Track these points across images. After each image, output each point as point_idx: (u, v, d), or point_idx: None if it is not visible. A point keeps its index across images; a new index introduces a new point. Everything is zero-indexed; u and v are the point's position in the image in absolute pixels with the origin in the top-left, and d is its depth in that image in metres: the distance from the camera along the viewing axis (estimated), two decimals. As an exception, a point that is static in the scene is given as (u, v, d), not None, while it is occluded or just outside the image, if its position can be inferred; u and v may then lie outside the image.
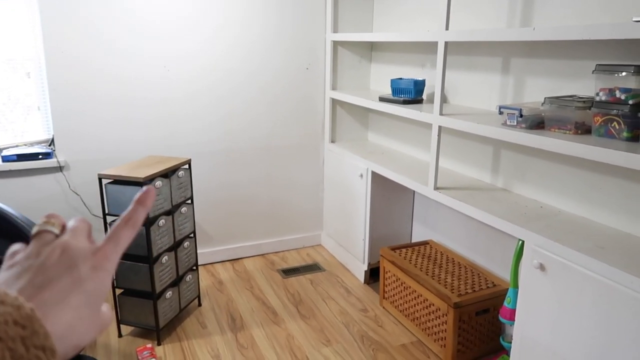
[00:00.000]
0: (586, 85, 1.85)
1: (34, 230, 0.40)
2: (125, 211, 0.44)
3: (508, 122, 1.90)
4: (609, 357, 1.51)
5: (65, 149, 2.76)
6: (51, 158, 2.72)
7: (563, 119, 1.74)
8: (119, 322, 2.41)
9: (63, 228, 0.42)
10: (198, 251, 3.19)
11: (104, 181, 2.26)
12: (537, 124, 1.84)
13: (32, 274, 0.36)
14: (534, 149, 2.09)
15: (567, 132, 1.73)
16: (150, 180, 2.22)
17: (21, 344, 0.29)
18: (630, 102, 1.55)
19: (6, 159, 2.63)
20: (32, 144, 2.81)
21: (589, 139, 1.62)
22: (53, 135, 2.75)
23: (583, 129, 1.72)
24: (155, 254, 2.28)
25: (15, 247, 0.40)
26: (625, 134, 1.57)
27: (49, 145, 2.82)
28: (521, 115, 1.85)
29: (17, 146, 2.77)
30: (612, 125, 1.61)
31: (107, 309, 0.39)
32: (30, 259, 0.37)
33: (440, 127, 2.19)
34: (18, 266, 0.37)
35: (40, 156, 2.70)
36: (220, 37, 2.96)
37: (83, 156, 2.80)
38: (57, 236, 0.41)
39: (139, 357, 2.17)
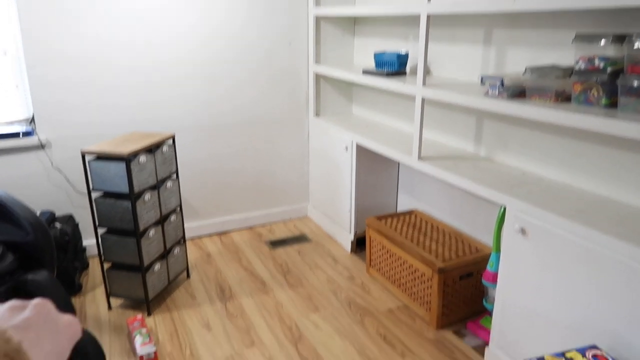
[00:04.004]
0: (566, 54, 1.89)
1: None
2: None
3: (490, 92, 1.94)
4: (587, 315, 1.60)
5: (46, 127, 2.71)
6: (32, 136, 2.67)
7: (544, 87, 1.79)
8: (108, 295, 2.43)
9: None
10: (185, 225, 3.20)
11: (87, 157, 2.25)
12: (519, 93, 1.88)
13: (21, 319, 0.42)
14: (515, 118, 2.15)
15: (548, 100, 1.77)
16: (134, 155, 2.21)
17: None
18: (609, 69, 1.60)
19: (-15, 136, 2.58)
20: (11, 123, 2.76)
21: (568, 107, 1.67)
22: (33, 114, 2.70)
23: (563, 97, 1.77)
24: (141, 228, 2.29)
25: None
26: (603, 101, 1.62)
27: (29, 124, 2.77)
28: (503, 85, 1.88)
29: (-5, 122, 2.71)
30: (591, 92, 1.66)
31: None
32: (20, 307, 0.45)
33: (423, 99, 2.22)
34: (10, 309, 0.44)
35: (20, 135, 2.65)
36: (201, 11, 2.91)
37: (64, 133, 2.76)
38: None
39: (130, 328, 2.20)
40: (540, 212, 1.70)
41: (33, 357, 0.39)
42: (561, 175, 1.98)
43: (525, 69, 1.86)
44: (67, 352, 0.44)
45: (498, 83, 1.90)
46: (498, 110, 1.84)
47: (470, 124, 2.41)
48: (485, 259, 2.28)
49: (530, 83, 1.84)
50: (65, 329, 0.45)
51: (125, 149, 2.19)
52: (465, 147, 2.47)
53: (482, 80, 1.99)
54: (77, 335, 0.46)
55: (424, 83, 2.19)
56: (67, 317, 0.47)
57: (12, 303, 0.44)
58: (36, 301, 0.45)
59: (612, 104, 1.61)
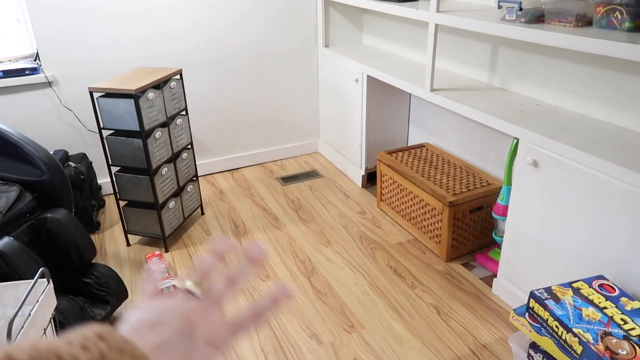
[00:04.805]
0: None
1: (184, 286, 0.42)
2: (258, 305, 0.44)
3: (507, 17, 1.83)
4: (595, 246, 1.59)
5: (52, 64, 2.68)
6: (38, 73, 2.65)
7: (564, 11, 1.68)
8: (126, 232, 2.50)
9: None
10: (197, 162, 3.22)
11: (95, 95, 2.23)
12: (537, 17, 1.78)
13: (157, 333, 0.38)
14: (532, 45, 2.04)
15: (568, 25, 1.67)
16: (142, 91, 2.18)
17: None
18: (635, -11, 1.48)
19: (-8, 76, 2.56)
20: (16, 59, 2.72)
21: (589, 31, 1.57)
22: (37, 49, 2.65)
23: (584, 21, 1.66)
24: (154, 166, 2.31)
25: (157, 287, 0.42)
26: (627, 24, 1.52)
27: (34, 60, 2.73)
28: (521, 9, 1.78)
29: (0, 62, 2.69)
30: (614, 15, 1.55)
31: None
32: (163, 314, 0.40)
33: (437, 26, 2.12)
34: (150, 315, 0.39)
35: (27, 72, 2.63)
36: None
37: (71, 70, 2.72)
38: (197, 297, 0.43)
39: (149, 264, 2.28)
40: (554, 143, 1.66)
41: None
42: (576, 104, 1.91)
43: (546, -9, 1.74)
44: None
45: (516, 7, 1.79)
46: (514, 36, 1.74)
47: (485, 52, 2.31)
48: (495, 193, 2.26)
49: (550, 6, 1.73)
50: (203, 355, 0.40)
51: (133, 85, 2.16)
52: (479, 77, 2.38)
53: (499, 4, 1.88)
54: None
55: (437, 9, 2.08)
56: (208, 334, 0.40)
57: (155, 312, 0.39)
58: (183, 311, 0.40)
59: (636, 27, 1.51)
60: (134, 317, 0.39)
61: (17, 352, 0.28)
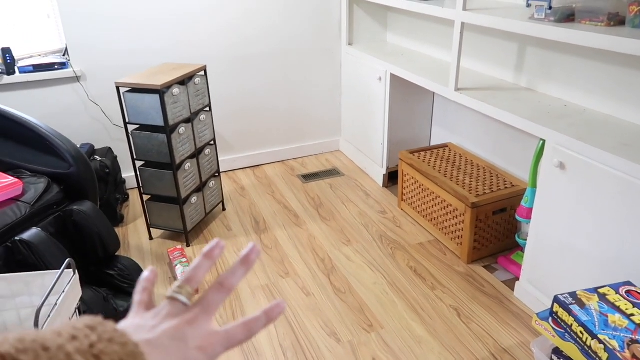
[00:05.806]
0: (624, -29, 1.71)
1: (168, 294, 0.44)
2: (251, 319, 0.44)
3: (536, 16, 1.80)
4: (622, 250, 1.55)
5: (80, 59, 2.73)
6: (67, 68, 2.70)
7: (595, 10, 1.64)
8: (149, 226, 2.54)
9: (196, 291, 0.45)
10: (219, 158, 3.25)
11: (122, 90, 2.26)
12: (567, 16, 1.74)
13: (146, 332, 0.39)
14: (561, 45, 2.00)
15: (599, 24, 1.63)
16: (167, 87, 2.21)
17: None
18: (671, -12, 1.44)
19: (23, 70, 2.62)
20: (46, 54, 2.78)
21: (622, 31, 1.53)
22: (66, 45, 2.71)
23: (616, 21, 1.62)
24: (178, 161, 2.33)
25: (145, 298, 0.44)
26: (661, 24, 1.48)
27: (63, 55, 2.79)
28: (550, 8, 1.74)
29: (31, 57, 2.75)
30: (649, 15, 1.51)
31: None
32: (155, 319, 0.41)
33: (463, 24, 2.09)
34: (140, 321, 0.41)
35: (56, 66, 2.68)
36: None
37: (99, 65, 2.77)
38: (186, 305, 0.44)
39: (171, 258, 2.31)
40: (582, 145, 1.62)
41: None
42: (606, 106, 1.86)
43: (576, -10, 1.70)
44: None
45: (545, 5, 1.76)
46: (543, 36, 1.71)
47: (511, 51, 2.27)
48: (519, 194, 2.22)
49: (581, 5, 1.69)
50: (196, 353, 0.41)
51: (159, 80, 2.19)
52: (505, 77, 2.34)
53: (528, 2, 1.85)
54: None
55: (464, 7, 2.05)
56: (199, 341, 0.42)
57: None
58: (176, 323, 0.41)
59: (672, 27, 1.47)
60: (125, 322, 0.41)
61: (2, 343, 0.29)
